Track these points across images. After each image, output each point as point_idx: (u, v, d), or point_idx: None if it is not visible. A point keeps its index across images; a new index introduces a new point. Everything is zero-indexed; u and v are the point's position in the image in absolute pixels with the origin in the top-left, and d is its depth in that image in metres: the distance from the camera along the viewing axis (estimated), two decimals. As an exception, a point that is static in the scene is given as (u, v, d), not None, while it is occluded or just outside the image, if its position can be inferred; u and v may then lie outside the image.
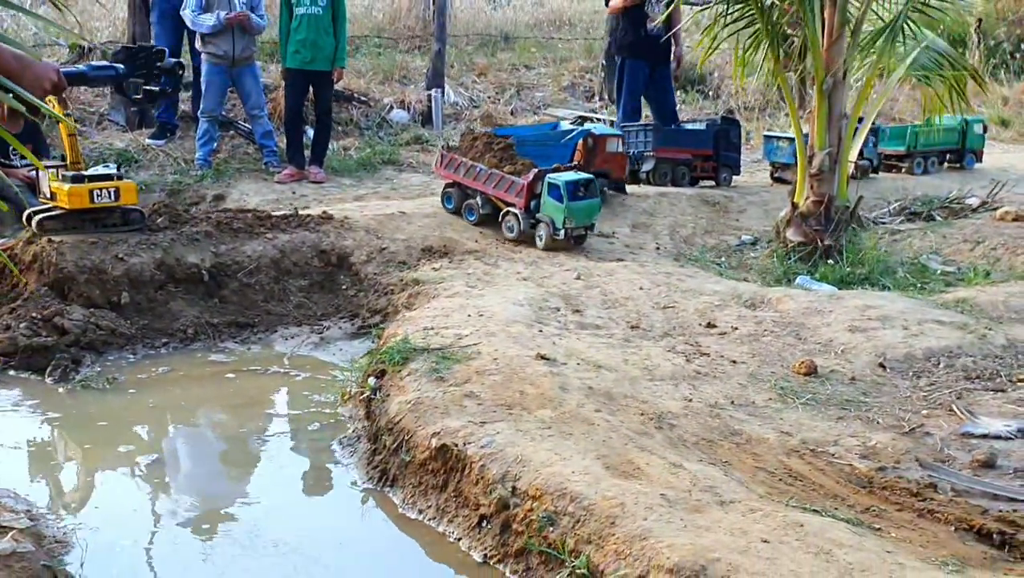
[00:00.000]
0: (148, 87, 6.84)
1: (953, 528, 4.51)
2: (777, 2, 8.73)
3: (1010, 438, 5.48)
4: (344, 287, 8.52)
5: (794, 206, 9.23)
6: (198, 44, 12.59)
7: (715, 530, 4.18)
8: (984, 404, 5.98)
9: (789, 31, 8.87)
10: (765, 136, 13.26)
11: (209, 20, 11.86)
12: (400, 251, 8.80)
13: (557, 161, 9.78)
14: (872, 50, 8.86)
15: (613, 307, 7.58)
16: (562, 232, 8.64)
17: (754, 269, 9.17)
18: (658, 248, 9.72)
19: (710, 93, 19.43)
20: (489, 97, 18.41)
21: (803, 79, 9.54)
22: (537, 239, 8.85)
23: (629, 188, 11.50)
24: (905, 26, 8.80)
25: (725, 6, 8.82)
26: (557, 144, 10.19)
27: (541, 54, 21.78)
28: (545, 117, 17.39)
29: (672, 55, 12.44)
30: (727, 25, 8.91)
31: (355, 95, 16.57)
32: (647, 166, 11.79)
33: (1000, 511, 4.65)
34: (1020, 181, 13.78)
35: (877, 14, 9.25)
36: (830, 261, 8.84)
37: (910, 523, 4.54)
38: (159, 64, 7.26)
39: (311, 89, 12.58)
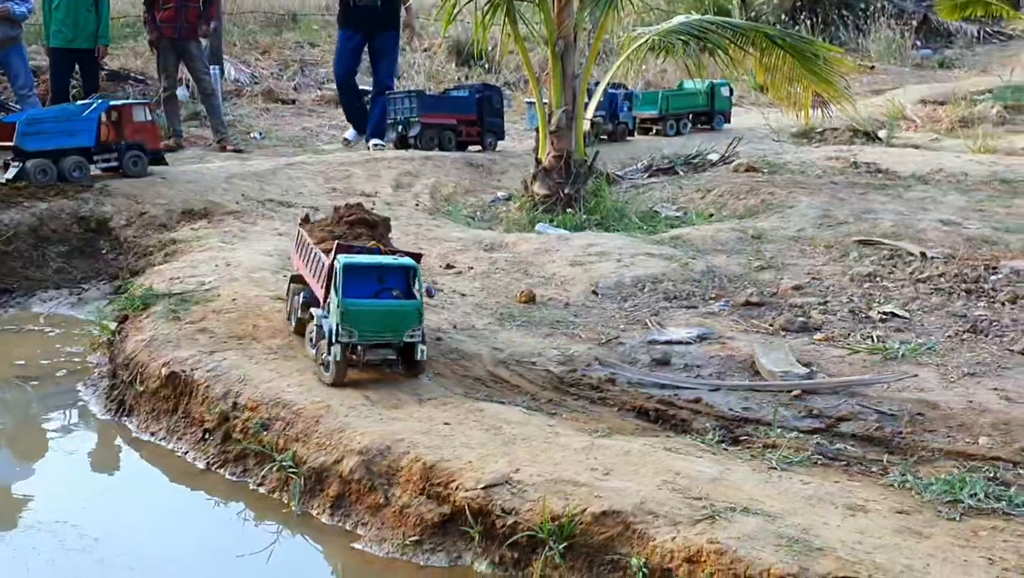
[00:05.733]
0: None
1: (617, 409, 5.25)
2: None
3: (689, 343, 6.29)
4: (104, 251, 8.76)
5: (538, 162, 9.98)
6: (-38, 26, 12.41)
7: (406, 420, 4.78)
8: (675, 318, 6.80)
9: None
10: (527, 103, 14.03)
11: (-37, 6, 11.79)
12: (160, 215, 9.07)
13: (86, 140, 9.07)
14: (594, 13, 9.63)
15: (360, 255, 8.12)
16: (334, 351, 5.04)
17: (504, 221, 9.86)
18: (417, 205, 10.30)
19: (490, 67, 20.20)
20: (272, 74, 18.67)
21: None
22: (320, 366, 5.27)
23: (397, 152, 12.07)
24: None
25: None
26: (79, 119, 9.24)
27: (327, 32, 22.08)
28: (327, 93, 17.76)
29: (403, 24, 13.11)
30: (464, -7, 9.53)
31: (131, 74, 16.58)
32: (414, 131, 12.34)
33: (662, 396, 5.42)
34: (763, 139, 15.07)
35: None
36: (569, 210, 9.61)
37: (582, 408, 5.25)
38: None
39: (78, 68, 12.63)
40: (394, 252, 5.53)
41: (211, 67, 15.23)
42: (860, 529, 3.66)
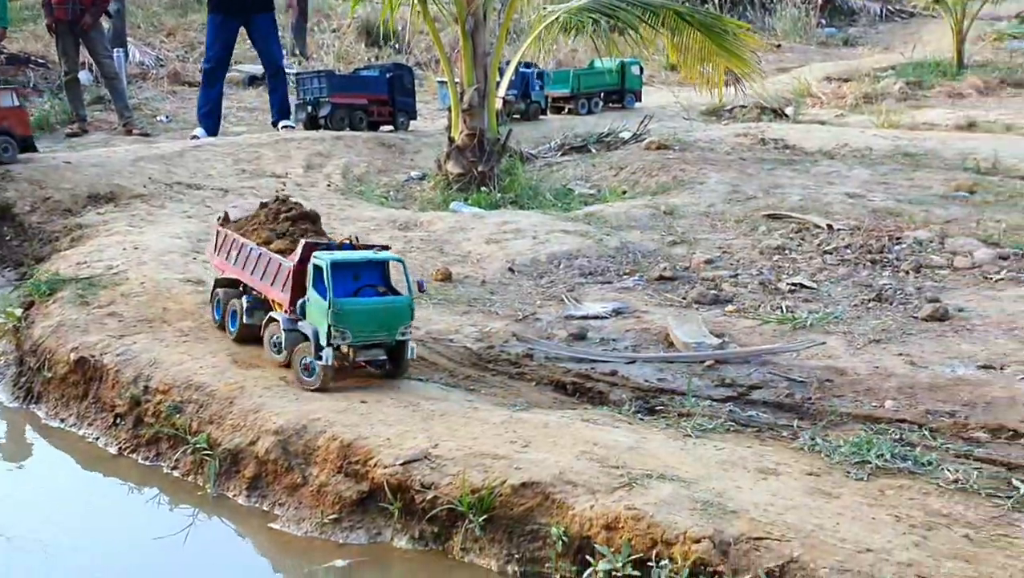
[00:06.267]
0: None
1: (535, 384, 5.28)
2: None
3: (604, 317, 6.35)
4: (8, 238, 8.51)
5: (451, 140, 9.94)
6: None
7: (322, 399, 4.75)
8: (591, 294, 6.86)
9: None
10: (439, 82, 13.95)
11: None
12: (65, 200, 8.82)
13: None
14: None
15: (274, 237, 8.03)
16: (325, 355, 4.74)
17: (418, 200, 9.82)
18: (329, 185, 10.19)
19: (401, 47, 20.04)
20: (178, 56, 18.24)
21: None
22: (298, 371, 4.92)
23: (307, 133, 11.92)
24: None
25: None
26: None
27: (234, 13, 21.68)
28: (234, 75, 17.44)
29: (288, 3, 12.81)
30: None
31: (32, 57, 16.10)
32: (324, 112, 12.19)
33: (579, 369, 5.47)
34: (673, 117, 15.22)
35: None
36: (484, 188, 9.60)
37: (501, 384, 5.26)
38: None
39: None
40: (369, 246, 5.21)
41: (115, 50, 14.87)
42: (772, 491, 3.75)
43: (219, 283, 5.74)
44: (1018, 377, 4.98)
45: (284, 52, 13.69)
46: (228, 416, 4.70)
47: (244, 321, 5.40)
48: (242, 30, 12.57)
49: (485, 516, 3.87)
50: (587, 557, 3.65)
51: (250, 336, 5.37)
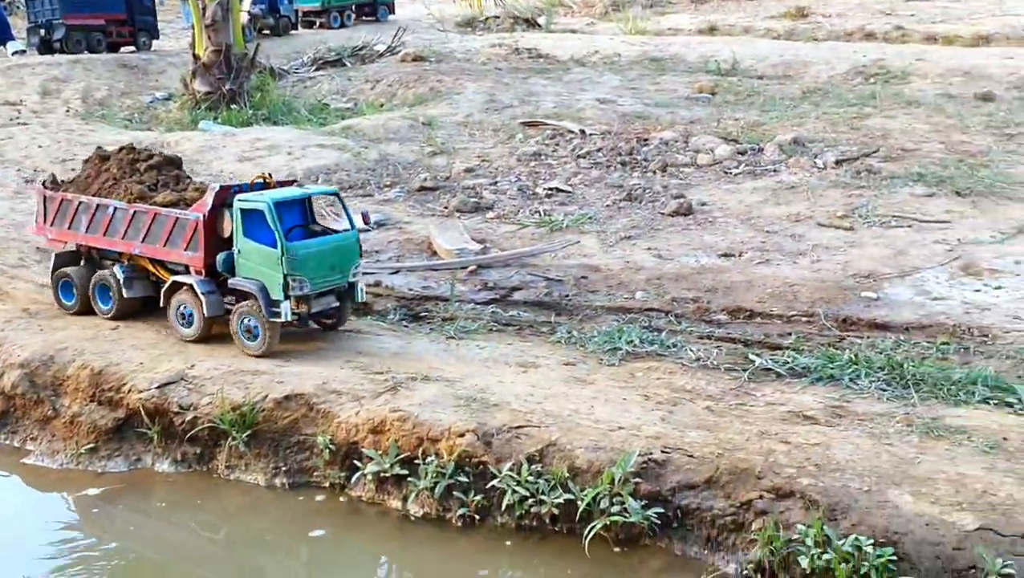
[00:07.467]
0: None
1: (296, 299, 5.21)
2: None
3: (367, 230, 6.31)
4: None
5: (196, 58, 9.56)
6: None
7: (68, 329, 4.55)
8: (352, 207, 6.79)
9: None
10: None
11: None
12: None
13: None
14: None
15: (7, 166, 7.55)
16: (283, 310, 4.17)
17: (165, 121, 9.42)
18: (68, 111, 9.62)
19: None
20: None
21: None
22: (240, 336, 4.31)
23: (42, 58, 11.20)
24: None
25: None
26: None
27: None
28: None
29: None
30: None
31: None
32: (58, 35, 11.46)
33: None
34: (428, 29, 15.17)
35: None
36: (234, 106, 9.31)
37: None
38: None
39: None
40: (285, 183, 4.71)
41: None
42: (532, 383, 3.87)
43: (62, 259, 4.93)
44: (754, 262, 5.32)
45: None
46: (-35, 354, 4.42)
47: (124, 296, 4.64)
48: None
49: (248, 432, 3.83)
50: (355, 462, 3.68)
51: (131, 311, 4.70)
